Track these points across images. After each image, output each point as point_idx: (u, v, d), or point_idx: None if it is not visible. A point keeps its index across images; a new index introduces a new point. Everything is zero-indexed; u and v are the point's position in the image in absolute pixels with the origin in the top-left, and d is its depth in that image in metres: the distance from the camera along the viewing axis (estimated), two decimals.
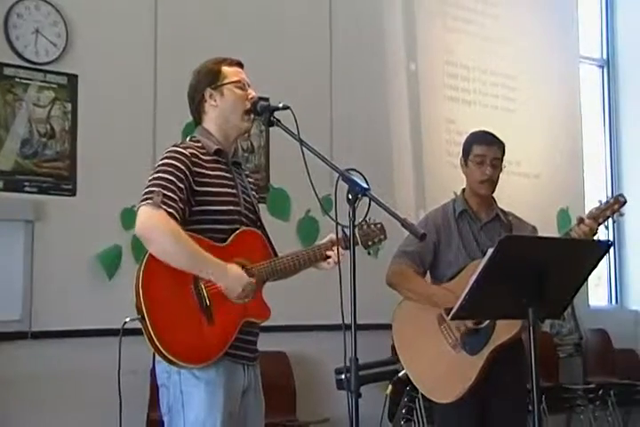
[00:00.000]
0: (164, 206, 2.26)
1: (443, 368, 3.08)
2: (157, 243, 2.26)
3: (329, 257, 2.53)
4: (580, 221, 2.98)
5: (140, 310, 2.24)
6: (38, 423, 3.88)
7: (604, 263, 6.58)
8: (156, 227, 2.26)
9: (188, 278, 2.31)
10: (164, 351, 2.22)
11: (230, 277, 2.32)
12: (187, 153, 2.38)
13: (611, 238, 6.70)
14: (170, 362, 2.26)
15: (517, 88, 6.18)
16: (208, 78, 2.48)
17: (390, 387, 4.24)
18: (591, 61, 7.11)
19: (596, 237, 3.01)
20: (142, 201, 2.28)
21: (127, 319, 2.28)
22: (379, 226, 2.64)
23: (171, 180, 2.31)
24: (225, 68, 2.49)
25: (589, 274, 2.53)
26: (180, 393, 2.31)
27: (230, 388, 2.34)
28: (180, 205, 2.30)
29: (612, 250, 6.68)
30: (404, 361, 3.20)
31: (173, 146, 2.43)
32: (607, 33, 7.19)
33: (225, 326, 2.33)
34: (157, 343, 2.22)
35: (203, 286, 2.32)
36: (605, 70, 7.17)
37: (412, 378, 3.18)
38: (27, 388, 3.87)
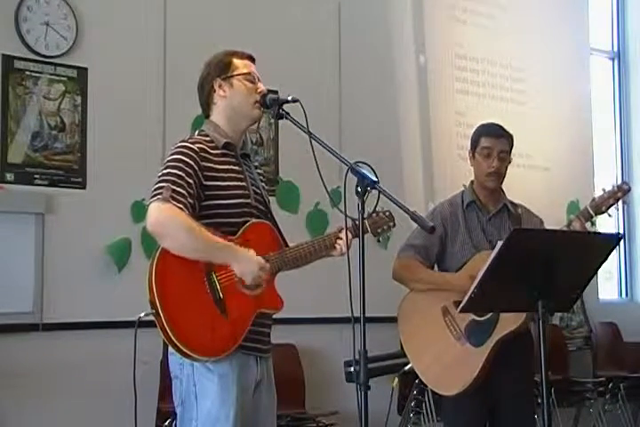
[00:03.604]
0: (173, 201, 2.27)
1: (447, 360, 3.08)
2: (170, 236, 2.27)
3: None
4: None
5: (154, 305, 2.23)
6: (49, 415, 3.90)
7: (614, 257, 6.57)
8: (168, 220, 2.27)
9: (200, 272, 2.32)
10: (180, 346, 2.23)
11: (245, 260, 2.33)
12: (195, 148, 2.39)
13: (621, 231, 6.68)
14: (186, 356, 2.26)
15: (527, 80, 6.16)
16: (218, 69, 2.49)
17: (396, 380, 4.25)
18: (602, 53, 7.07)
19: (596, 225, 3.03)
20: (152, 197, 2.29)
21: (142, 314, 2.28)
22: (387, 213, 2.65)
23: (180, 175, 2.32)
24: (236, 60, 2.50)
25: (599, 267, 2.53)
26: (194, 386, 2.32)
27: (243, 381, 2.35)
28: (190, 200, 2.31)
29: (622, 243, 6.66)
30: (409, 354, 3.21)
31: (181, 141, 2.43)
32: (618, 25, 7.15)
33: (239, 318, 2.34)
34: (173, 338, 2.22)
35: (216, 279, 2.33)
36: (616, 62, 7.13)
37: (417, 371, 3.19)
38: (37, 379, 3.89)
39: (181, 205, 2.28)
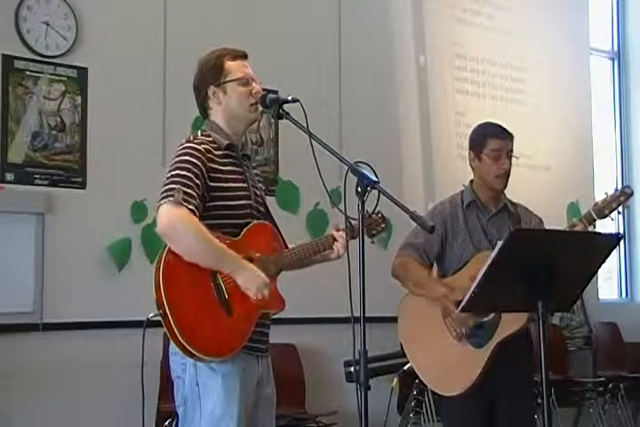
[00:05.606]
0: (185, 204, 2.26)
1: (448, 361, 3.07)
2: (182, 241, 2.27)
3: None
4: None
5: (161, 306, 2.23)
6: (49, 414, 3.90)
7: (614, 257, 6.57)
8: (181, 226, 2.26)
9: (206, 272, 2.31)
10: (187, 346, 2.22)
11: (250, 276, 2.33)
12: (201, 149, 2.38)
13: (621, 231, 6.68)
14: (192, 356, 2.26)
15: (527, 80, 6.16)
16: (211, 75, 2.47)
17: (395, 380, 4.26)
18: (602, 53, 7.07)
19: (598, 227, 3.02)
20: (163, 199, 2.27)
21: (150, 315, 2.28)
22: (380, 215, 2.65)
23: (189, 176, 2.31)
24: (228, 63, 2.47)
25: (599, 267, 2.52)
26: (197, 386, 2.32)
27: (246, 380, 2.35)
28: (199, 202, 2.31)
29: (622, 243, 6.67)
30: (409, 354, 3.21)
31: (187, 142, 2.42)
32: (618, 25, 7.16)
33: (243, 318, 2.34)
34: (181, 339, 2.22)
35: (221, 280, 2.33)
36: (616, 62, 7.14)
37: (417, 371, 3.18)
38: (37, 379, 3.89)
39: (193, 207, 2.27)
